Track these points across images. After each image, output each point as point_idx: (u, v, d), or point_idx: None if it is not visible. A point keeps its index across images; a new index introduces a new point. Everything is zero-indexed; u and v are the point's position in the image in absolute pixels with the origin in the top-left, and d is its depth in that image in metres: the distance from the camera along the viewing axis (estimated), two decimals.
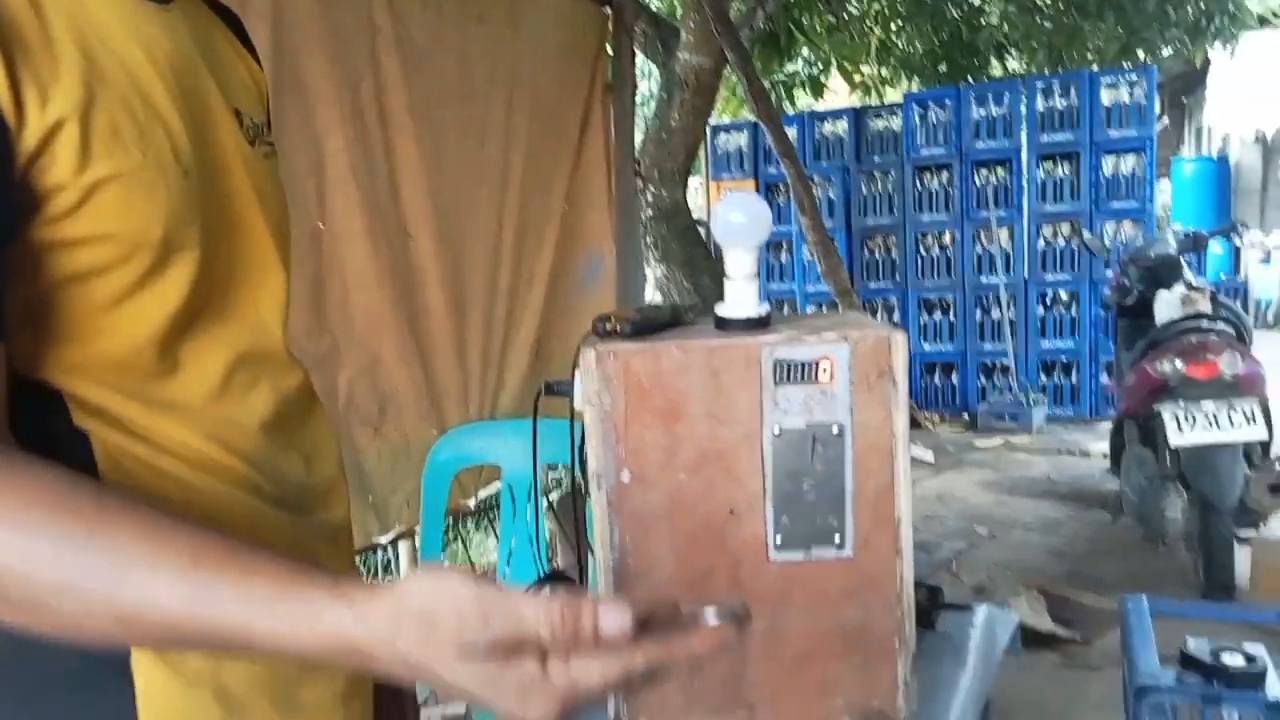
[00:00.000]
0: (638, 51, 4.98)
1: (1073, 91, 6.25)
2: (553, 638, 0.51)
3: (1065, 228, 6.31)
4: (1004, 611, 1.45)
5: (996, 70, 8.56)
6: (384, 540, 2.70)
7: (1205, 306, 3.47)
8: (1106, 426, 4.36)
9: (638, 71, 5.29)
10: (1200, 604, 2.79)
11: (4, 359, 0.57)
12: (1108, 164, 6.22)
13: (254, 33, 0.88)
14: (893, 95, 8.33)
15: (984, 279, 6.48)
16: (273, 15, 2.20)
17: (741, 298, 1.00)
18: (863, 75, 8.37)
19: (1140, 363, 3.37)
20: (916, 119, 6.62)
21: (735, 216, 0.97)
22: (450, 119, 2.78)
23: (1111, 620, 3.00)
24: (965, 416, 6.45)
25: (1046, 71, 7.37)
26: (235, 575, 0.53)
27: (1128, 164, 6.19)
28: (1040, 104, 6.33)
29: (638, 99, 4.67)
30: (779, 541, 0.98)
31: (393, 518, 2.62)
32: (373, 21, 2.52)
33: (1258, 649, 1.49)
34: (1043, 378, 6.44)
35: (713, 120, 6.60)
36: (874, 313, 6.66)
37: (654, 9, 6.65)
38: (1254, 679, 1.44)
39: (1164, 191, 10.60)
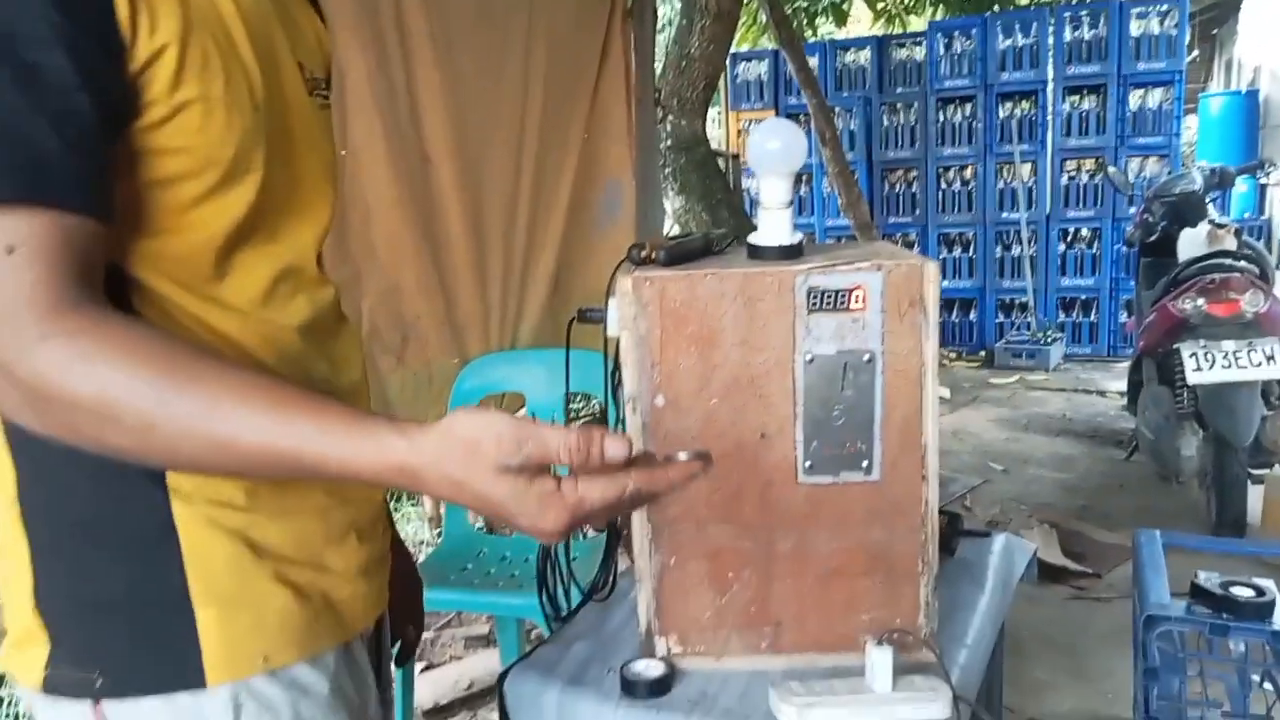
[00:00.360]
0: None
1: (1101, 21, 6.10)
2: (570, 458, 0.63)
3: (1089, 163, 6.21)
4: (1021, 540, 1.48)
5: None
6: None
7: (1229, 244, 3.43)
8: (1124, 366, 4.36)
9: None
10: (1212, 539, 2.82)
11: (108, 238, 0.65)
12: (1134, 98, 6.10)
13: None
14: (917, 24, 8.14)
15: (1005, 214, 6.41)
16: None
17: (776, 226, 1.01)
18: (886, 2, 8.16)
19: (1161, 300, 3.35)
20: (941, 48, 6.48)
21: (771, 143, 0.98)
22: (470, 46, 2.75)
23: (1122, 555, 3.05)
24: (982, 353, 6.44)
25: (1074, 0, 7.18)
26: (311, 412, 0.63)
27: (1155, 98, 6.07)
28: (1068, 34, 6.19)
29: (657, 25, 4.59)
30: (808, 465, 1.00)
31: None
32: None
33: (1267, 583, 1.52)
34: (1061, 315, 6.42)
35: (732, 49, 6.47)
36: None
37: None
38: (1262, 610, 1.46)
39: (1191, 128, 10.38)
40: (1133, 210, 4.71)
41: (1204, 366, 3.06)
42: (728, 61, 6.40)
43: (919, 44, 6.71)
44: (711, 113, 6.81)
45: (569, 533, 0.65)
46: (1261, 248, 3.84)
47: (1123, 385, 4.11)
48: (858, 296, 0.96)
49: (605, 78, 3.31)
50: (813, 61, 6.39)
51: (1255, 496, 3.19)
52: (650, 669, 1.05)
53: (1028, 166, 6.35)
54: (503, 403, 2.83)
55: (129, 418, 0.61)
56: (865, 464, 1.00)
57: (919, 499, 1.01)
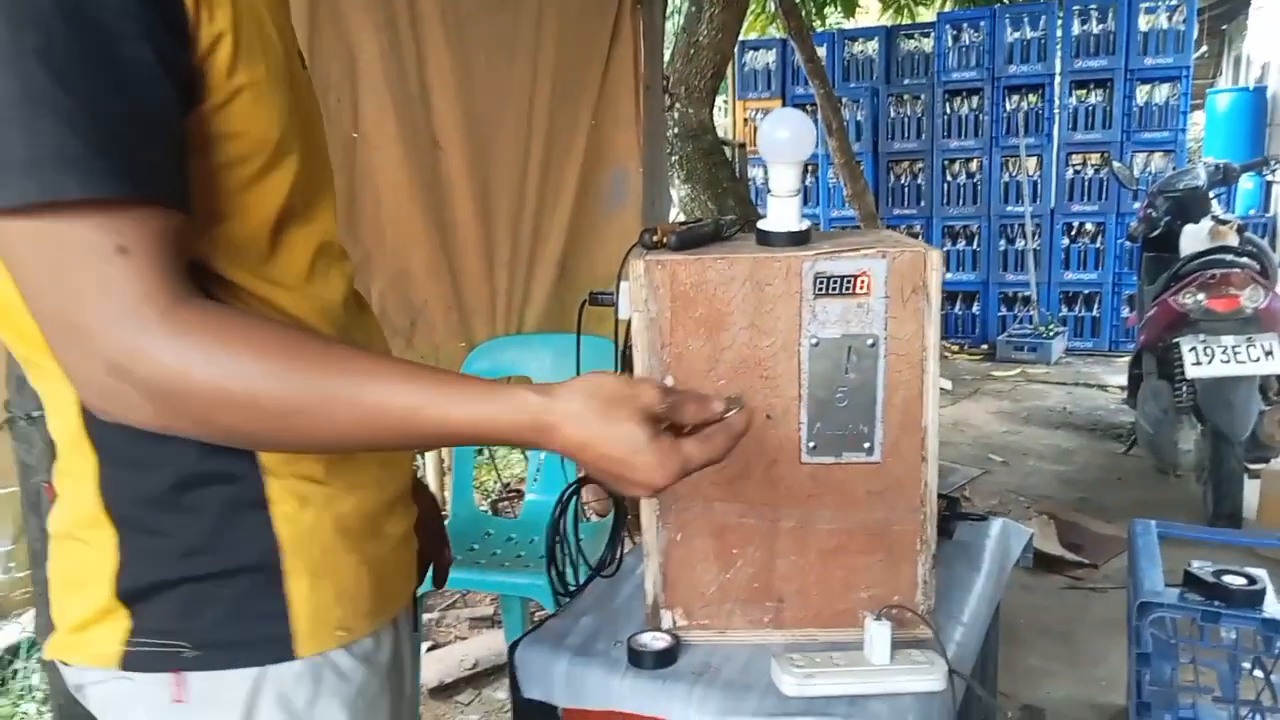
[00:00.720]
0: None
1: (1110, 16, 6.10)
2: (693, 417, 0.73)
3: (1095, 158, 6.22)
4: (1017, 525, 1.51)
5: None
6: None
7: (1231, 240, 3.45)
8: (1124, 360, 4.39)
9: None
10: (1206, 529, 2.86)
11: (189, 229, 0.66)
12: (1141, 93, 6.11)
13: None
14: (925, 15, 8.13)
15: (1010, 208, 6.43)
16: None
17: (784, 213, 1.04)
18: None
19: (1162, 295, 3.38)
20: (949, 40, 6.49)
21: (781, 132, 1.00)
22: (481, 31, 2.77)
23: (1118, 546, 3.09)
24: (984, 346, 6.47)
25: None
26: (448, 380, 0.67)
27: (1162, 93, 6.08)
28: (1076, 28, 6.19)
29: (666, 12, 4.59)
30: (812, 445, 1.03)
31: None
32: None
33: (1259, 572, 1.54)
34: (1064, 309, 6.44)
35: (740, 38, 6.48)
36: None
37: None
38: (1253, 598, 1.49)
39: (1197, 124, 10.36)
40: (1137, 205, 4.73)
41: (1203, 361, 3.09)
42: (735, 50, 6.41)
43: (927, 35, 6.72)
44: (718, 101, 6.82)
45: (670, 486, 0.71)
46: (1264, 244, 3.86)
47: (1123, 380, 4.14)
48: (863, 282, 0.99)
49: (614, 64, 3.33)
50: (821, 51, 6.40)
51: (1252, 490, 3.22)
52: (656, 641, 1.08)
53: (1033, 160, 6.36)
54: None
55: (272, 403, 0.63)
56: (867, 445, 1.03)
57: (919, 480, 1.04)
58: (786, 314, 1.00)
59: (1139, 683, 1.56)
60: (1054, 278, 6.43)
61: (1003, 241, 6.53)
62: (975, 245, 6.61)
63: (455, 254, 2.79)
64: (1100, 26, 6.14)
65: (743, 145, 6.58)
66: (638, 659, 1.07)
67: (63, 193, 0.58)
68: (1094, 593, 2.89)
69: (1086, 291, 6.38)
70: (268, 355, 0.63)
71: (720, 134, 6.20)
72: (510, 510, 3.54)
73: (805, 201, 6.13)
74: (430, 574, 1.09)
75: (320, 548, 0.76)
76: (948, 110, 6.53)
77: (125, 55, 0.60)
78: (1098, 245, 6.30)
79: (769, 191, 1.06)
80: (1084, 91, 6.27)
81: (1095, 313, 6.37)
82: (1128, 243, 5.52)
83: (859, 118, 6.76)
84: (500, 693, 2.44)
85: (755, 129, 6.82)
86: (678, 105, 5.26)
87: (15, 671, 2.38)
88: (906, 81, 6.72)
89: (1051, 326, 6.23)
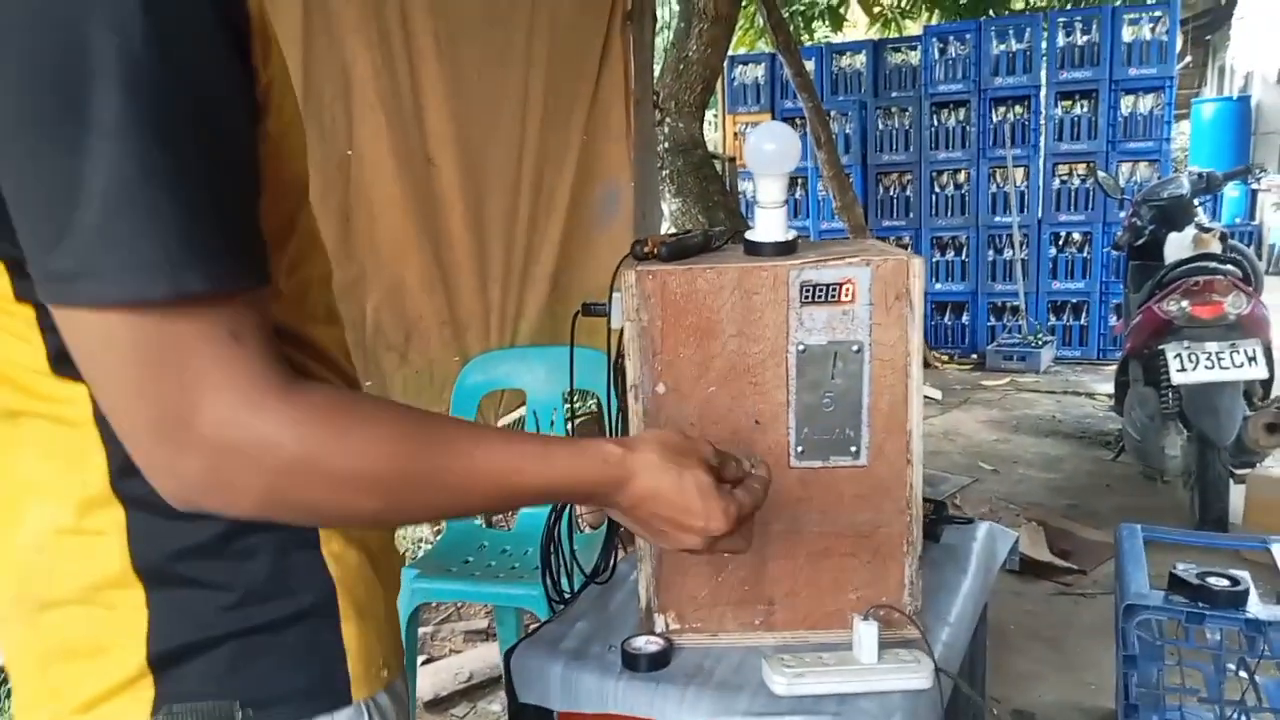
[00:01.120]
0: None
1: (1094, 27, 6.18)
2: (735, 472, 0.80)
3: (1081, 168, 6.29)
4: (1003, 528, 1.54)
5: (1018, 3, 8.43)
6: None
7: (1215, 248, 3.50)
8: (1113, 369, 4.43)
9: (656, 0, 5.24)
10: (1191, 533, 2.89)
11: (269, 305, 0.62)
12: (1126, 103, 6.18)
13: None
14: (912, 29, 8.22)
15: (997, 218, 6.49)
16: None
17: (771, 223, 1.06)
18: (882, 7, 8.25)
19: (1147, 303, 3.42)
20: (935, 53, 6.56)
21: (768, 145, 1.03)
22: (473, 47, 2.80)
23: (1107, 552, 3.11)
24: (974, 356, 6.52)
25: (1069, 6, 7.27)
26: (538, 440, 0.70)
27: (1146, 103, 6.15)
28: (1060, 39, 6.26)
29: (656, 28, 4.65)
30: (800, 450, 1.06)
31: None
32: None
33: (1242, 574, 1.57)
34: (1052, 319, 6.49)
35: (729, 52, 6.54)
36: None
37: None
38: (1237, 599, 1.52)
39: (1183, 133, 10.46)
40: (1123, 215, 4.79)
41: (1188, 367, 3.13)
42: (725, 64, 6.47)
43: (914, 48, 6.79)
44: (708, 115, 6.87)
45: (724, 535, 0.76)
46: (1248, 251, 3.92)
47: (1111, 388, 4.18)
48: (848, 290, 1.02)
49: (605, 80, 3.37)
50: (809, 65, 6.46)
51: (1237, 495, 3.26)
52: (650, 644, 1.11)
53: (1020, 171, 6.42)
54: (503, 399, 2.89)
55: (392, 480, 0.62)
56: (853, 449, 1.06)
57: (904, 482, 1.07)
58: (774, 322, 1.03)
59: (1126, 685, 1.59)
60: (1042, 287, 6.48)
61: (991, 252, 6.59)
62: (964, 256, 6.66)
63: (449, 269, 2.82)
64: (1084, 38, 6.22)
65: (733, 159, 6.64)
66: (632, 662, 1.09)
67: (187, 287, 0.54)
68: (1083, 598, 2.92)
69: (1074, 301, 6.43)
70: (383, 434, 0.62)
71: (710, 148, 6.25)
72: (504, 523, 3.56)
73: (795, 214, 6.17)
74: None
75: (364, 585, 0.74)
76: (935, 122, 6.59)
77: (227, 127, 0.58)
78: (1085, 255, 6.36)
79: (756, 203, 1.09)
80: (1069, 102, 6.35)
81: (1083, 322, 6.42)
82: (1113, 251, 5.58)
83: (847, 130, 6.82)
84: (495, 705, 2.45)
85: (745, 143, 6.86)
86: (668, 120, 5.31)
87: None
88: (894, 94, 6.78)
89: (1040, 336, 6.28)
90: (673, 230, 5.44)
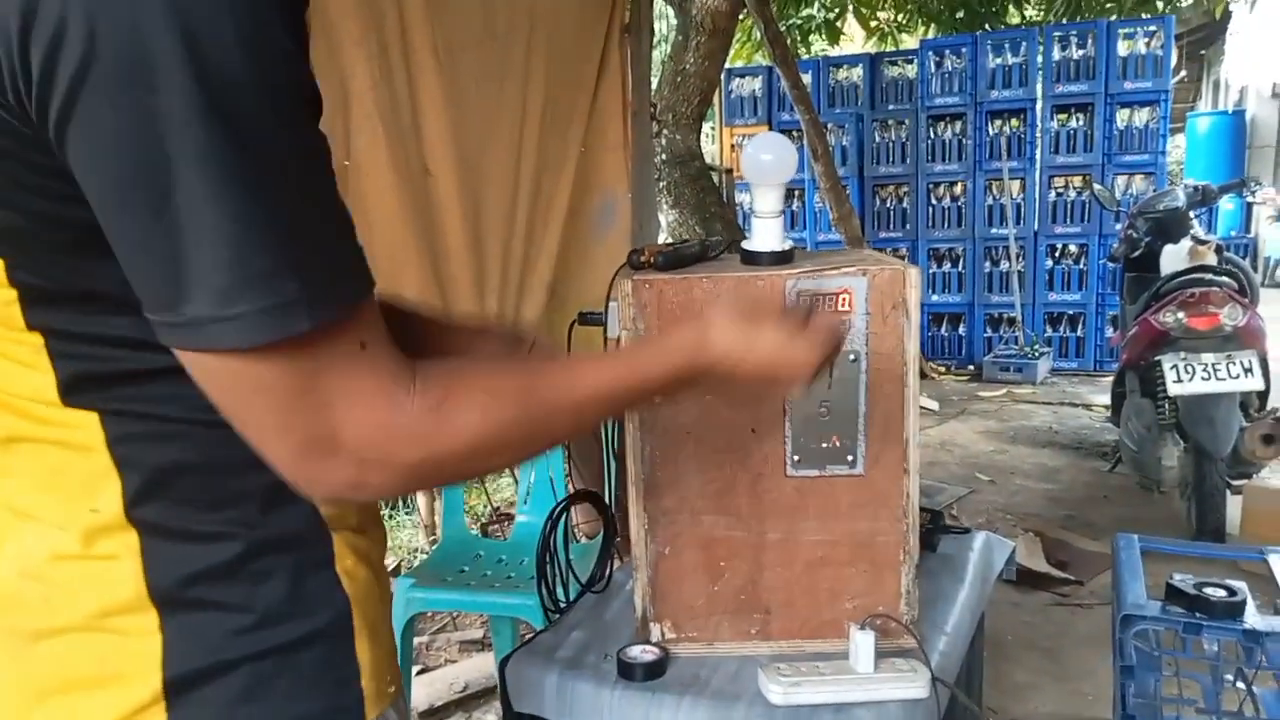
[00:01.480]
0: None
1: (1090, 41, 6.22)
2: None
3: (1077, 180, 6.31)
4: (1000, 538, 1.54)
5: (1014, 18, 8.48)
6: None
7: (1210, 260, 3.52)
8: (1109, 380, 4.44)
9: (654, 13, 5.26)
10: (1188, 543, 2.89)
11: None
12: (1121, 117, 6.21)
13: None
14: (909, 42, 8.26)
15: (994, 230, 6.51)
16: None
17: (767, 233, 1.07)
18: (879, 20, 8.29)
19: (1144, 314, 3.43)
20: (932, 66, 6.59)
21: (764, 155, 1.04)
22: (471, 60, 2.81)
23: (1104, 563, 3.11)
24: (971, 367, 6.52)
25: (1065, 20, 7.31)
26: (625, 354, 0.78)
27: (1141, 117, 6.18)
28: (1056, 53, 6.30)
29: (654, 41, 4.66)
30: (796, 459, 1.06)
31: None
32: None
33: (1239, 584, 1.57)
34: (1048, 330, 6.51)
35: (727, 65, 6.57)
36: None
37: None
38: (1234, 610, 1.52)
39: (1178, 147, 10.52)
40: (1119, 227, 4.81)
41: (1184, 378, 3.13)
42: (722, 77, 6.50)
43: (911, 62, 6.82)
44: (705, 128, 6.90)
45: (819, 366, 0.78)
46: (1244, 263, 3.92)
47: (1107, 399, 4.19)
48: (844, 299, 1.03)
49: (603, 92, 3.38)
50: (806, 78, 6.49)
51: (1234, 506, 3.26)
52: (645, 653, 1.11)
53: (1016, 183, 6.45)
54: None
55: (519, 437, 0.67)
56: (850, 458, 1.06)
57: (901, 491, 1.07)
58: None
59: (1123, 695, 1.58)
60: (1038, 299, 6.50)
61: (987, 264, 6.60)
62: (960, 267, 6.68)
63: (447, 279, 2.82)
64: (1080, 52, 6.26)
65: (730, 171, 6.66)
66: (627, 671, 1.09)
67: (321, 318, 0.56)
68: (1080, 609, 2.92)
69: (1070, 312, 6.45)
70: (504, 399, 0.66)
71: (707, 160, 6.27)
72: (500, 533, 3.55)
73: (792, 225, 6.20)
74: None
75: (373, 602, 0.73)
76: (931, 135, 6.62)
77: (319, 146, 0.60)
78: (1081, 266, 6.38)
79: (753, 212, 1.09)
80: (1065, 116, 6.38)
81: (1080, 333, 6.43)
82: (1109, 263, 5.59)
83: (844, 143, 6.84)
84: (490, 715, 2.44)
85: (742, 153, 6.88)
86: (665, 132, 5.32)
87: None
88: (891, 107, 6.81)
89: (1036, 347, 6.29)
90: (670, 241, 5.47)
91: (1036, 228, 6.48)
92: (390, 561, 3.23)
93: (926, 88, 6.59)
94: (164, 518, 0.63)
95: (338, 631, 0.70)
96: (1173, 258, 3.60)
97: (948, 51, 6.60)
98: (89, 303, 0.60)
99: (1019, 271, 6.43)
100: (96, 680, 0.64)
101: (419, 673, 2.62)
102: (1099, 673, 2.42)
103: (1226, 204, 8.40)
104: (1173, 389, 3.15)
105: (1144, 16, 6.93)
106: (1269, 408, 3.34)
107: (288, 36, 0.56)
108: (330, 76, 2.44)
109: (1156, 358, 3.23)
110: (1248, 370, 3.10)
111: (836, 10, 8.11)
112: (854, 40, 9.05)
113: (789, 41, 7.07)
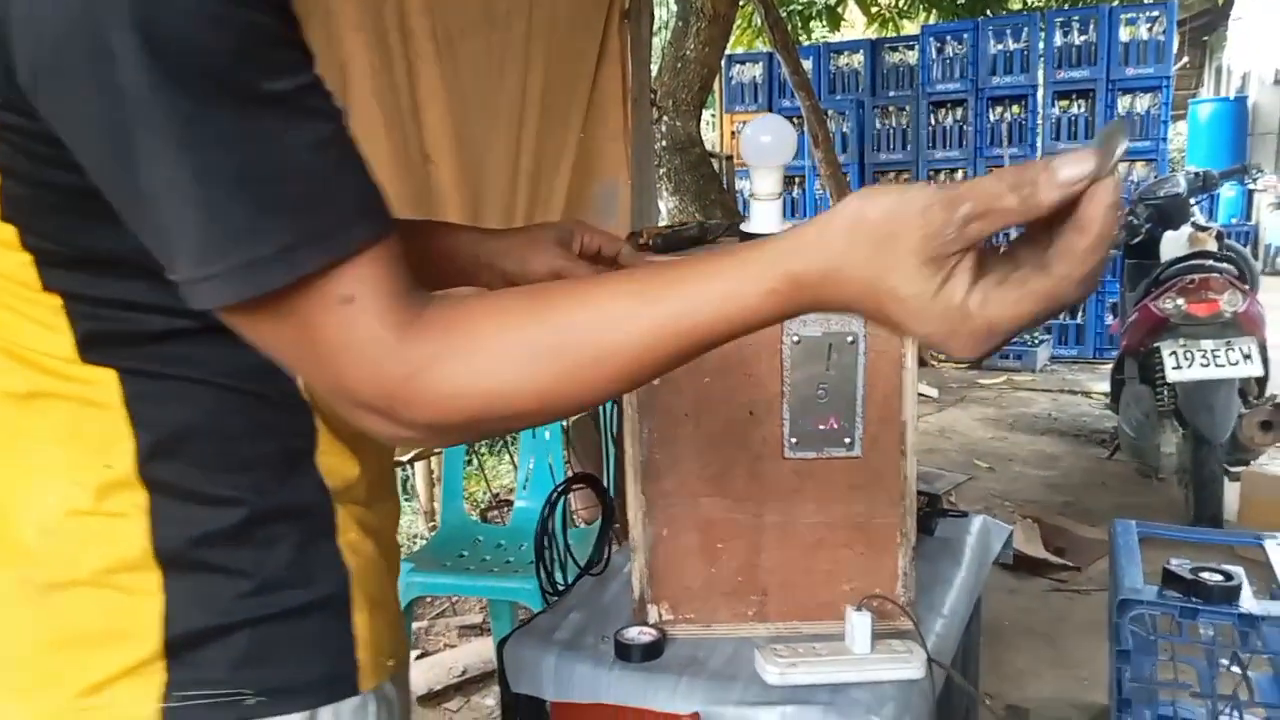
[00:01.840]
0: None
1: (1091, 27, 6.20)
2: (1021, 202, 0.53)
3: None
4: (998, 522, 1.54)
5: (1015, 3, 8.44)
6: (404, 459, 2.80)
7: (1210, 246, 3.51)
8: (1108, 367, 4.44)
9: None
10: (1185, 529, 2.90)
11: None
12: (1123, 103, 6.20)
13: None
14: (910, 28, 8.23)
15: None
16: None
17: (766, 215, 1.07)
18: (880, 6, 8.26)
19: (1143, 300, 3.43)
20: (933, 52, 6.57)
21: (763, 137, 1.04)
22: (471, 45, 2.80)
23: (1102, 550, 3.12)
24: None
25: (1066, 5, 7.28)
26: (690, 272, 0.58)
27: (1143, 103, 6.17)
28: (1058, 39, 6.28)
29: (654, 27, 4.64)
30: (794, 441, 1.06)
31: None
32: None
33: (1235, 569, 1.58)
34: None
35: (727, 51, 6.54)
36: None
37: None
38: (1230, 594, 1.52)
39: (1180, 134, 10.49)
40: (1119, 213, 4.80)
41: (1183, 365, 3.14)
42: (722, 63, 6.48)
43: (912, 48, 6.80)
44: (706, 114, 6.88)
45: (986, 353, 0.55)
46: (1244, 250, 3.92)
47: (1107, 386, 4.19)
48: None
49: (602, 78, 3.37)
50: (807, 64, 6.47)
51: (1232, 492, 3.27)
52: (643, 635, 1.11)
53: None
54: None
55: (546, 380, 0.58)
56: (847, 440, 1.06)
57: (898, 473, 1.07)
58: None
59: (1120, 680, 1.59)
60: None
61: None
62: None
63: None
64: (1082, 38, 6.24)
65: (730, 157, 6.64)
66: (625, 652, 1.10)
67: (301, 271, 0.54)
68: (1078, 595, 2.93)
69: None
70: (522, 338, 0.58)
71: (708, 147, 6.26)
72: (499, 519, 3.56)
73: (792, 213, 6.18)
74: None
75: (375, 576, 0.73)
76: (932, 121, 6.60)
77: (300, 98, 0.58)
78: None
79: (752, 195, 1.09)
80: (1066, 102, 6.36)
81: (1079, 320, 6.44)
82: (1110, 250, 5.58)
83: (845, 129, 6.83)
84: (489, 699, 2.46)
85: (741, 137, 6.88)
86: (665, 118, 5.31)
87: None
88: (892, 93, 6.80)
89: (1036, 334, 6.29)
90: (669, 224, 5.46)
91: None
92: None
93: (927, 74, 6.57)
94: (175, 478, 0.64)
95: (335, 603, 0.70)
96: (1173, 244, 3.60)
97: (949, 37, 6.58)
98: (103, 266, 0.61)
99: None
100: (102, 635, 0.66)
101: (418, 657, 2.63)
102: (1096, 657, 2.43)
103: (1227, 191, 8.39)
104: (1172, 375, 3.15)
105: (1146, 2, 6.90)
106: (1268, 394, 3.34)
107: None
108: (329, 65, 2.43)
109: (1156, 344, 3.23)
110: (1247, 357, 3.10)
111: None
112: (855, 26, 9.01)
113: (789, 27, 7.04)
